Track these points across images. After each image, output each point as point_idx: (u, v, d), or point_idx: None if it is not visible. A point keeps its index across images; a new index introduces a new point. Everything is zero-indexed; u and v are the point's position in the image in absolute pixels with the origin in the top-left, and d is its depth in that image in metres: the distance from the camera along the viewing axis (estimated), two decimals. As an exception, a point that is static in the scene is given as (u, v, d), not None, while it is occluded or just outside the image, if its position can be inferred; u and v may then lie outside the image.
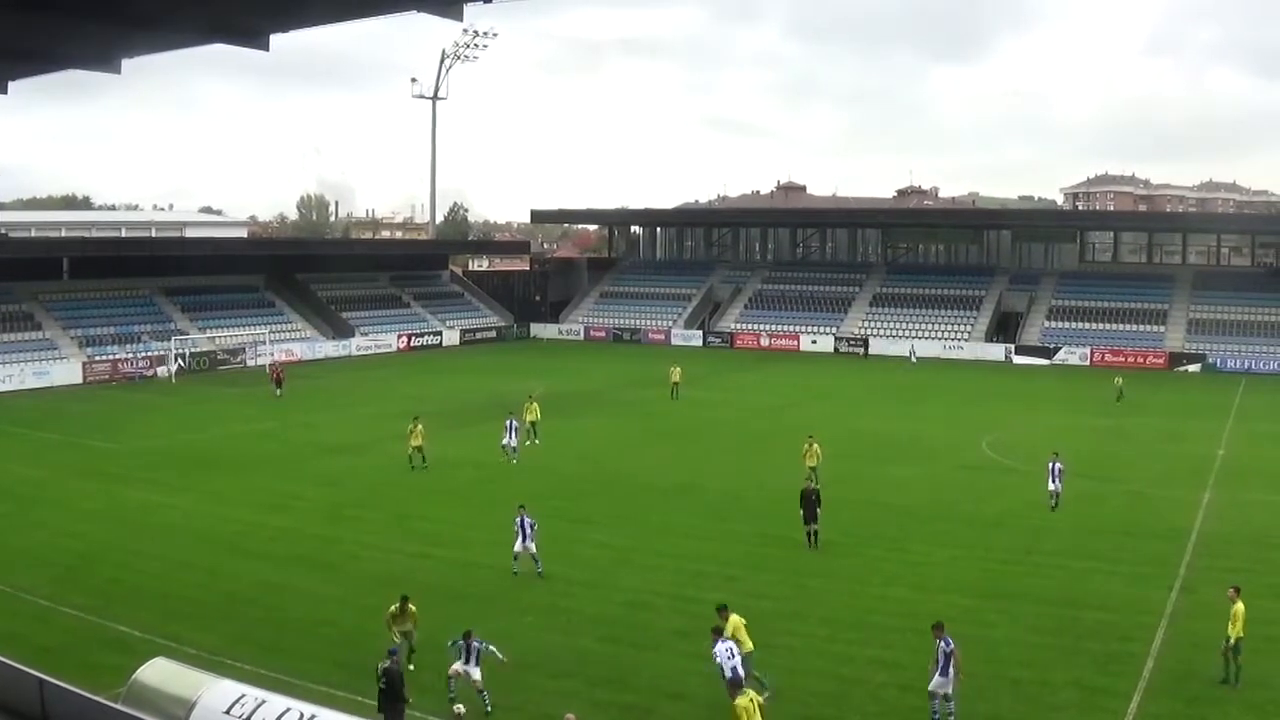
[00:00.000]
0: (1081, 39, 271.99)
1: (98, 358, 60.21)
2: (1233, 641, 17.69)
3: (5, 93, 23.03)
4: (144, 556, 25.43)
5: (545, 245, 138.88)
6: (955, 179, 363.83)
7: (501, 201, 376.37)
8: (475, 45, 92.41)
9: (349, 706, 15.43)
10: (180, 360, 61.62)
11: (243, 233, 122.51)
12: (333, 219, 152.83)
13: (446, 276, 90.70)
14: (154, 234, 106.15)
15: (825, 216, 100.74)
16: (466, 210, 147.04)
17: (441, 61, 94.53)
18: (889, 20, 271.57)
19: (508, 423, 36.38)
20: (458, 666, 16.88)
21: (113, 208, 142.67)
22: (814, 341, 77.36)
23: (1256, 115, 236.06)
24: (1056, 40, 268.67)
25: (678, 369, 52.96)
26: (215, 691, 13.11)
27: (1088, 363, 69.39)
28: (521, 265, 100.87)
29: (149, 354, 61.36)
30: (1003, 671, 18.42)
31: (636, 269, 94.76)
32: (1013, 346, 72.89)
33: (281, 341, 69.13)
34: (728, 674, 16.20)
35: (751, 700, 14.65)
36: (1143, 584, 23.20)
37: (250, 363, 65.30)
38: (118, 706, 12.43)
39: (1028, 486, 31.47)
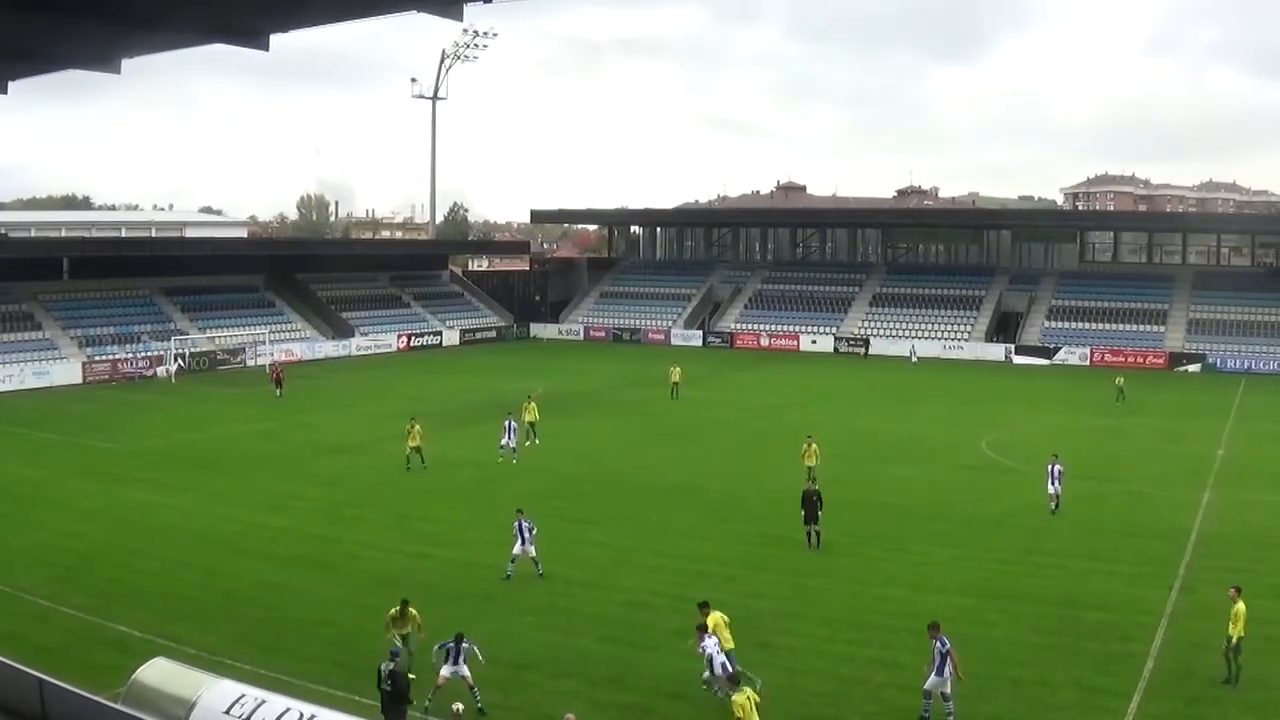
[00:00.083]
0: (1081, 39, 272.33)
1: (98, 358, 60.20)
2: (1234, 641, 17.70)
3: (5, 93, 23.01)
4: (144, 556, 25.43)
5: (545, 245, 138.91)
6: (955, 179, 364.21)
7: (501, 201, 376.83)
8: (475, 45, 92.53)
9: (349, 706, 15.44)
10: (180, 360, 61.62)
11: (243, 233, 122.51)
12: (333, 219, 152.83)
13: (446, 276, 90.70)
14: (154, 234, 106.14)
15: (825, 216, 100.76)
16: (466, 210, 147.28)
17: (441, 61, 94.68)
18: (889, 20, 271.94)
19: (506, 423, 36.38)
20: (445, 673, 16.76)
21: (113, 208, 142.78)
22: (814, 341, 77.36)
23: (1256, 115, 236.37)
24: (1056, 40, 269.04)
25: (678, 369, 52.96)
26: (215, 691, 13.11)
27: (1088, 363, 69.39)
28: (521, 265, 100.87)
29: (149, 354, 61.37)
30: (1003, 671, 18.42)
31: (636, 269, 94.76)
32: (1013, 346, 72.88)
33: (281, 341, 69.14)
34: (717, 669, 16.53)
35: (749, 698, 14.77)
36: (1143, 584, 23.21)
37: (250, 363, 65.30)
38: (118, 706, 12.43)
39: (1028, 486, 31.45)
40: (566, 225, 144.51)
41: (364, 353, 73.46)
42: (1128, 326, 72.44)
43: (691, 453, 38.89)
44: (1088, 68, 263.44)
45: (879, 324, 78.42)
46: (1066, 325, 74.15)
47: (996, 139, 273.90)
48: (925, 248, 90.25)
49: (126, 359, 60.63)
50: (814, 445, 32.93)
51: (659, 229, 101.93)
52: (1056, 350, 71.13)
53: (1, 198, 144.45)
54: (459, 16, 17.49)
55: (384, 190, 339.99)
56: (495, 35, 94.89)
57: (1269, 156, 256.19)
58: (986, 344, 73.97)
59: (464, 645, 16.94)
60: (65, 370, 58.33)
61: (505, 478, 34.04)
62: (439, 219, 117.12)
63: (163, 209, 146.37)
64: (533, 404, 40.22)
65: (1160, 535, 27.24)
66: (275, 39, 19.04)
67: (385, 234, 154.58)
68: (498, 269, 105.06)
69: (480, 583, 23.43)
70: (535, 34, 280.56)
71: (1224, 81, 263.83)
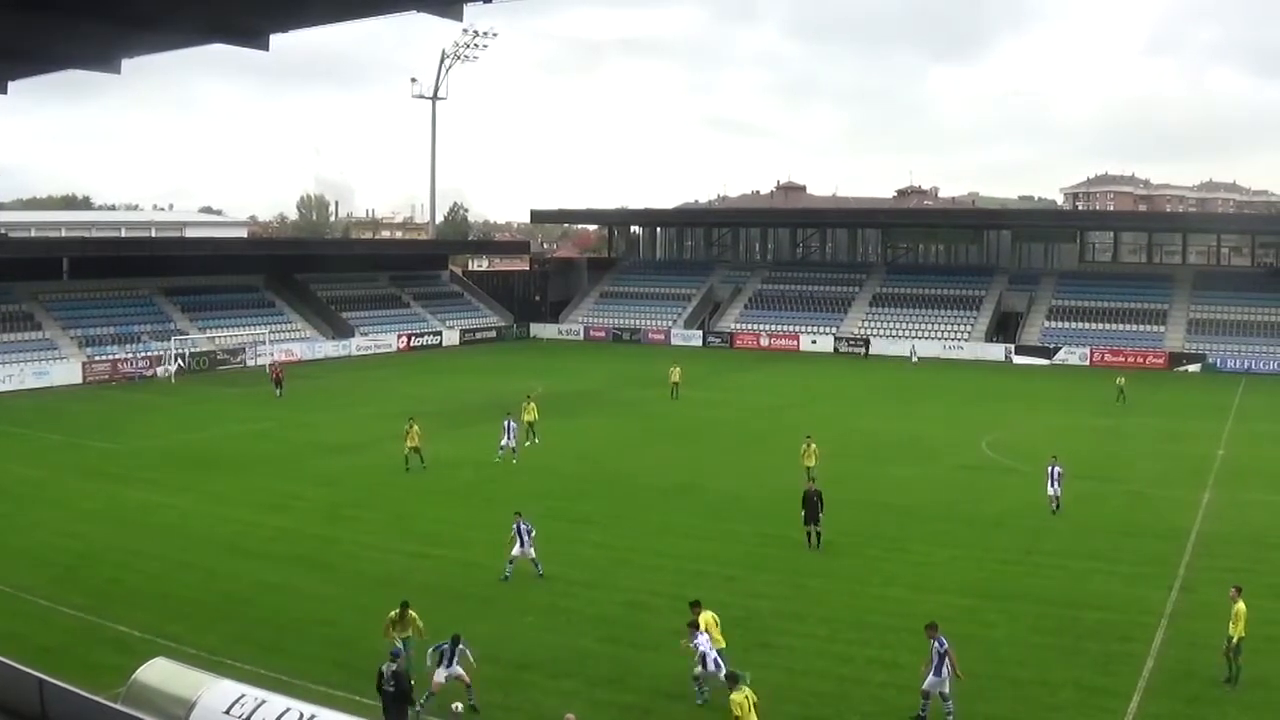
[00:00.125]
0: (1081, 39, 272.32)
1: (97, 358, 60.20)
2: (1235, 641, 17.70)
3: (5, 93, 23.03)
4: (143, 556, 25.42)
5: (545, 245, 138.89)
6: (955, 179, 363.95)
7: (501, 201, 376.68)
8: (475, 45, 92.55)
9: (349, 706, 15.42)
10: (180, 360, 61.61)
11: (243, 233, 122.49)
12: (332, 219, 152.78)
13: (446, 276, 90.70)
14: (154, 234, 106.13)
15: (825, 216, 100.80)
16: (466, 210, 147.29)
17: (441, 61, 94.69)
18: (889, 20, 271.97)
19: (505, 423, 36.38)
20: (440, 678, 16.65)
21: (113, 208, 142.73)
22: (814, 341, 77.37)
23: (1256, 115, 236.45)
24: (1056, 40, 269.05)
25: (677, 369, 52.96)
26: (215, 691, 13.12)
27: (1087, 363, 69.40)
28: (521, 265, 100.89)
29: (149, 354, 61.36)
30: (1003, 671, 18.43)
31: (636, 269, 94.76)
32: (1013, 346, 72.89)
33: (281, 341, 69.13)
34: (709, 666, 16.73)
35: (746, 697, 14.82)
36: (1142, 584, 23.21)
37: (250, 363, 65.30)
38: (117, 706, 12.45)
39: (1027, 487, 31.44)
40: (566, 225, 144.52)
41: (364, 353, 73.46)
42: (1127, 326, 72.45)
43: (691, 453, 38.88)
44: (1088, 68, 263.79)
45: (879, 324, 78.42)
46: (1066, 325, 74.16)
47: (996, 139, 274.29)
48: (925, 248, 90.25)
49: (126, 359, 60.62)
50: (813, 445, 32.91)
51: (659, 229, 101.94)
52: (1056, 350, 71.13)
53: (1, 198, 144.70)
54: (459, 16, 17.50)
55: (384, 190, 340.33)
56: (495, 35, 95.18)
57: (1269, 156, 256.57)
58: (986, 344, 73.97)
59: (459, 647, 16.85)
60: (65, 370, 58.33)
61: (505, 478, 34.05)
62: (439, 219, 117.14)
63: (163, 209, 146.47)
64: (532, 404, 40.21)
65: (1160, 535, 27.24)
66: (275, 39, 19.07)
67: (385, 234, 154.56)
68: (498, 269, 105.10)
69: (480, 583, 23.42)
70: (535, 34, 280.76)
71: (1224, 81, 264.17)
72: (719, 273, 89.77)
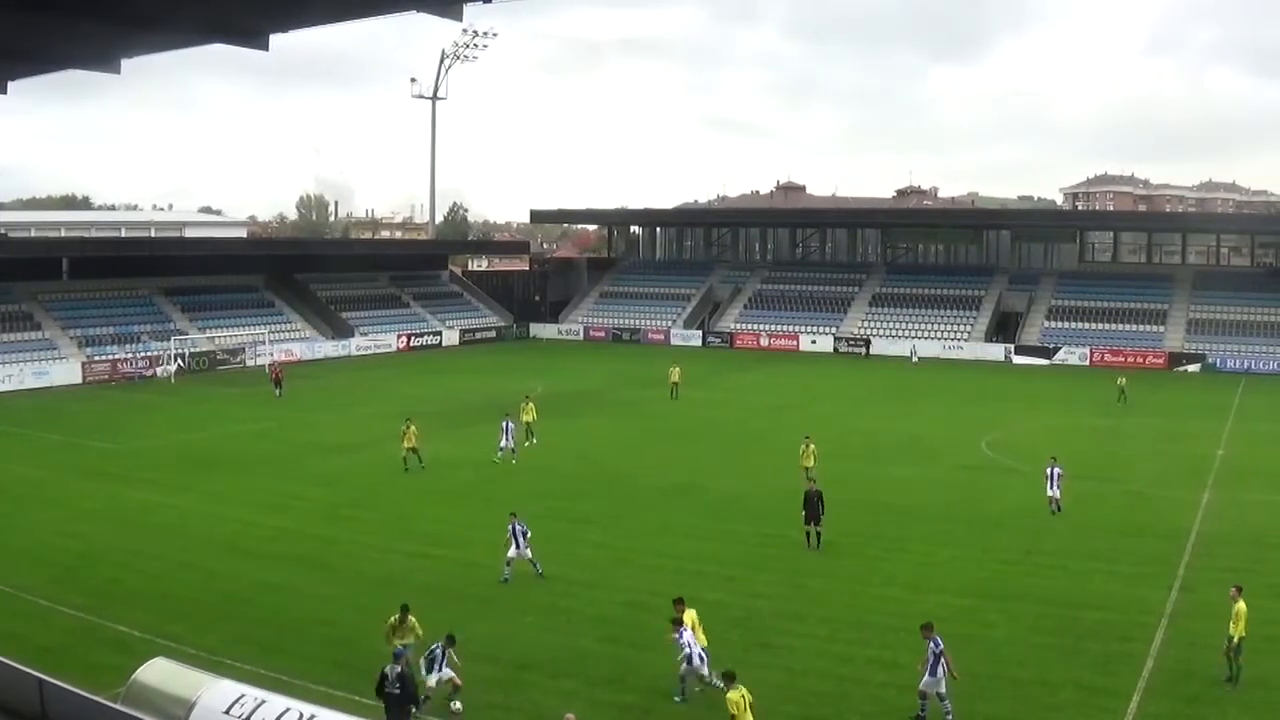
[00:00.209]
0: (1081, 39, 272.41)
1: (97, 358, 60.19)
2: (1235, 641, 17.70)
3: (5, 93, 23.04)
4: (143, 556, 25.41)
5: (545, 245, 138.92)
6: (955, 179, 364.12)
7: (501, 201, 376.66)
8: (475, 45, 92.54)
9: (348, 706, 15.41)
10: (179, 360, 61.60)
11: (242, 233, 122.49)
12: (332, 219, 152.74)
13: (446, 276, 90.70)
14: (154, 234, 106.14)
15: (825, 216, 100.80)
16: (466, 210, 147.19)
17: (441, 61, 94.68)
18: (889, 20, 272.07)
19: (504, 424, 36.35)
20: (433, 683, 16.53)
21: (112, 208, 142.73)
22: (814, 341, 77.37)
23: (1256, 115, 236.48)
24: (1056, 40, 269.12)
25: (677, 369, 52.95)
26: (215, 691, 13.11)
27: (1087, 363, 69.41)
28: (521, 265, 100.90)
29: (148, 354, 61.36)
30: (1003, 671, 18.43)
31: (636, 269, 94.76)
32: (1012, 346, 72.89)
33: (281, 341, 69.13)
34: (695, 662, 17.04)
35: (743, 696, 14.87)
36: (1142, 584, 23.21)
37: (250, 363, 65.30)
38: (117, 706, 12.44)
39: (1027, 487, 31.43)
40: (566, 225, 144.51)
41: (363, 353, 73.45)
42: (1127, 326, 72.45)
43: (691, 453, 38.87)
44: (1088, 68, 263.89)
45: (879, 324, 78.42)
46: (1066, 325, 74.17)
47: (996, 139, 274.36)
48: (925, 248, 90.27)
49: (126, 359, 60.61)
50: (811, 446, 32.89)
51: (659, 229, 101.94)
52: (1056, 350, 71.14)
53: (1, 198, 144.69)
54: (459, 16, 17.51)
55: (384, 190, 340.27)
56: (495, 35, 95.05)
57: (1269, 156, 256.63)
58: (986, 344, 73.97)
59: (449, 650, 16.75)
60: (65, 370, 58.32)
61: (504, 478, 34.04)
62: (439, 219, 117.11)
63: (162, 209, 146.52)
64: (530, 404, 40.20)
65: (1160, 535, 27.23)
66: (275, 39, 19.08)
67: (385, 234, 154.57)
68: (497, 269, 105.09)
69: (480, 583, 23.40)
70: (535, 34, 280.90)
71: (1224, 81, 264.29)
72: (719, 273, 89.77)
